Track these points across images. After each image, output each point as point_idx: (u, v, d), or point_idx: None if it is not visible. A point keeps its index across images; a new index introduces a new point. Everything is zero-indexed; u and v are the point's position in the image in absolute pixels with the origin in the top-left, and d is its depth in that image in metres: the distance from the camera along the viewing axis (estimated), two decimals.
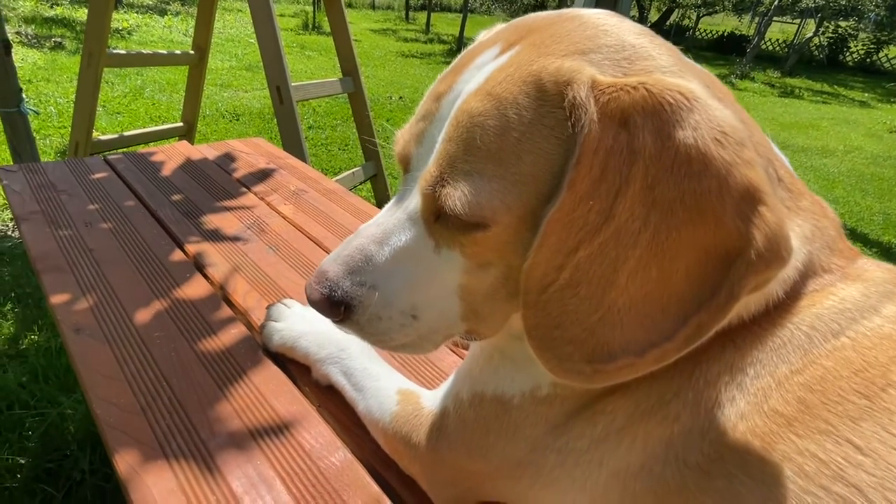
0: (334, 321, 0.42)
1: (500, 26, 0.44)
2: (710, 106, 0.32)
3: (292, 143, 2.19)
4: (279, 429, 0.64)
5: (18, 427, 1.37)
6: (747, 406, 0.34)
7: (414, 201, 0.40)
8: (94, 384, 0.67)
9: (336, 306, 0.41)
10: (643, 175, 0.31)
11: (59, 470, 1.29)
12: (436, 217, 0.39)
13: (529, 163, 0.34)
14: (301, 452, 0.61)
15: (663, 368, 0.38)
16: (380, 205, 2.87)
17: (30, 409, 1.42)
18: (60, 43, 5.85)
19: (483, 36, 0.45)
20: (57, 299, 0.81)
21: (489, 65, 0.38)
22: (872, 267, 0.40)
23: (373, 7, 17.61)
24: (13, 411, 1.41)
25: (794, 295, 0.37)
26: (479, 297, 0.41)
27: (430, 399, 0.56)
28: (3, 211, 2.45)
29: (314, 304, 0.42)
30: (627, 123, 0.31)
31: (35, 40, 5.83)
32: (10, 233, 2.34)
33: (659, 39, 0.38)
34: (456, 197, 0.36)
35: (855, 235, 3.78)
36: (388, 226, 0.42)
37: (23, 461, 1.29)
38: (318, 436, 0.64)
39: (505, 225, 0.36)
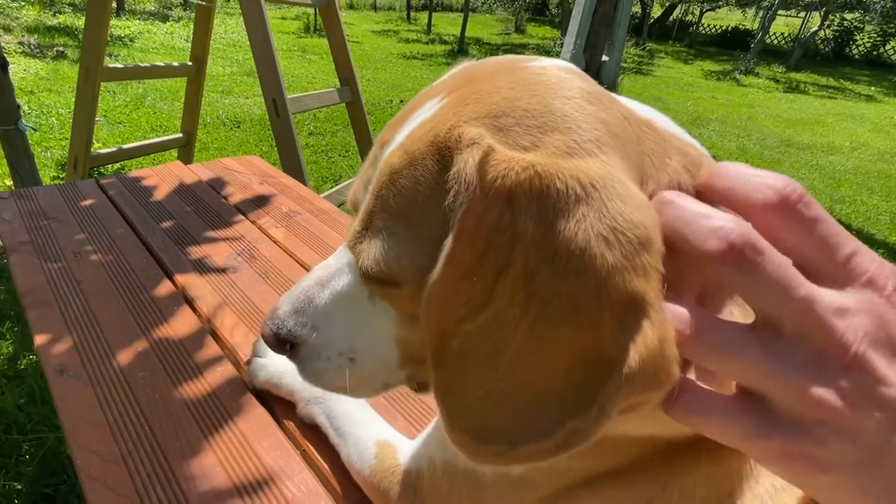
0: (288, 357, 0.44)
1: (460, 66, 0.42)
2: (612, 196, 0.28)
3: (289, 155, 2.18)
4: (262, 477, 0.63)
5: (15, 451, 1.37)
6: None
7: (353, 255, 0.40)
8: (75, 431, 0.66)
9: (282, 343, 0.43)
10: (524, 261, 0.28)
11: (55, 495, 1.29)
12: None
13: (435, 227, 0.32)
14: (284, 503, 0.60)
15: (638, 472, 0.36)
16: None
17: (27, 434, 1.42)
18: (63, 52, 5.88)
19: (445, 76, 0.42)
20: (42, 338, 0.80)
21: (421, 116, 0.37)
22: None
23: (374, 8, 17.60)
24: (10, 435, 1.41)
25: None
26: (416, 346, 0.41)
27: (408, 455, 0.55)
28: None
29: (264, 338, 0.43)
30: (513, 204, 0.29)
31: (38, 50, 5.86)
32: None
33: (604, 105, 0.33)
34: (367, 255, 0.36)
35: (861, 236, 3.73)
36: (331, 269, 0.42)
37: (20, 487, 1.30)
38: (300, 484, 0.63)
39: (415, 285, 0.34)
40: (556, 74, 0.35)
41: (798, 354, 0.27)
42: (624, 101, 0.37)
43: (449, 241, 0.31)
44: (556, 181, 0.28)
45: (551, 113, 0.32)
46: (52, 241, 1.06)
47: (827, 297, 0.27)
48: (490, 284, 0.29)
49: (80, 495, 1.28)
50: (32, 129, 2.24)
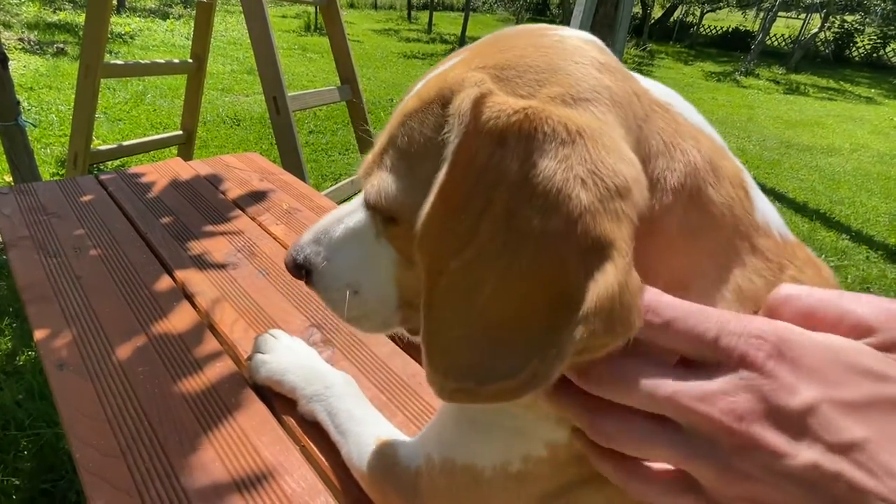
0: (305, 282, 0.47)
1: (494, 32, 0.44)
2: (598, 146, 0.29)
3: (289, 153, 2.18)
4: (261, 471, 0.63)
5: (13, 447, 1.37)
6: None
7: None
8: (74, 425, 0.66)
9: (298, 268, 0.46)
10: (506, 199, 0.29)
11: (53, 491, 1.29)
12: None
13: (430, 168, 0.34)
14: (283, 498, 0.60)
15: None
16: None
17: (25, 430, 1.42)
18: (63, 49, 5.87)
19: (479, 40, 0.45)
20: (41, 333, 0.80)
21: (440, 69, 0.39)
22: None
23: (375, 7, 17.59)
24: (9, 431, 1.41)
25: None
26: (413, 292, 0.42)
27: (406, 453, 0.55)
28: None
29: (286, 265, 0.47)
30: (504, 144, 0.30)
31: (38, 47, 5.85)
32: None
33: (615, 76, 0.34)
34: (371, 188, 0.38)
35: (860, 237, 3.73)
36: (349, 207, 0.45)
37: (18, 482, 1.29)
38: (300, 479, 0.63)
39: (411, 224, 0.35)
40: (573, 43, 0.35)
41: (698, 442, 0.29)
42: (644, 81, 0.37)
43: (441, 174, 0.32)
44: (545, 124, 0.29)
45: (554, 71, 0.33)
46: (52, 236, 1.06)
47: (690, 387, 0.29)
48: (475, 221, 0.30)
49: (78, 491, 1.28)
50: (32, 125, 2.24)
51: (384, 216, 0.40)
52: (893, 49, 14.97)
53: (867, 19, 14.12)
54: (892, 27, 13.93)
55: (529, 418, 0.40)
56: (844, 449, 0.27)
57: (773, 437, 0.27)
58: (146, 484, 0.60)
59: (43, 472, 1.32)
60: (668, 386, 0.29)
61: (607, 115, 0.31)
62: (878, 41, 15.02)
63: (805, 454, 0.27)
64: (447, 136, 0.32)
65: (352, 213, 0.45)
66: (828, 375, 0.28)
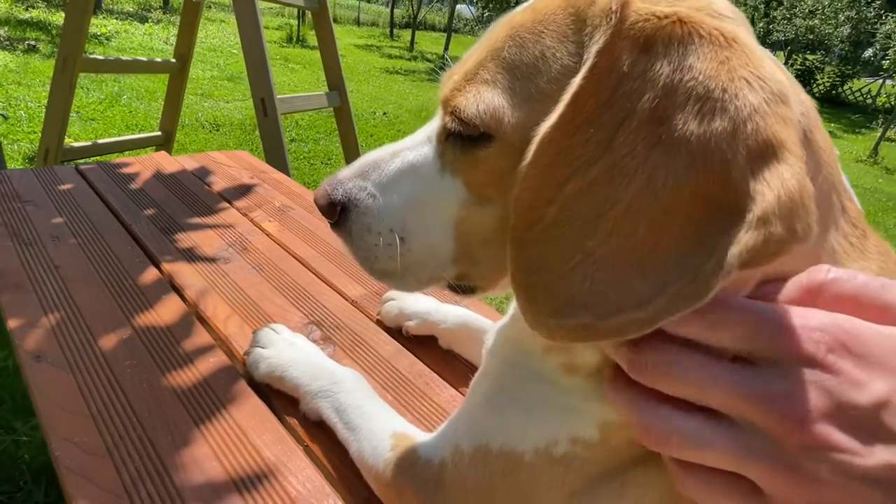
0: (330, 224, 0.41)
1: None
2: (754, 53, 0.27)
3: (275, 156, 2.13)
4: (262, 472, 0.58)
5: None
6: None
7: (439, 120, 0.39)
8: (53, 420, 0.60)
9: (333, 206, 0.40)
10: (652, 107, 0.27)
11: (10, 503, 1.19)
12: (448, 133, 0.38)
13: (546, 81, 0.32)
14: (286, 500, 0.55)
15: None
16: None
17: None
18: (34, 46, 5.68)
19: None
20: (15, 322, 0.73)
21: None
22: None
23: (357, 23, 17.69)
24: None
25: None
26: (475, 239, 0.39)
27: (427, 446, 0.50)
28: None
29: (316, 201, 0.41)
30: (650, 51, 0.28)
31: (8, 42, 5.65)
32: None
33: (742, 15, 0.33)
34: (465, 98, 0.34)
35: None
36: (409, 141, 0.41)
37: None
38: (305, 480, 0.58)
39: (507, 143, 0.33)
40: None
41: (758, 443, 0.27)
42: None
43: (577, 79, 0.29)
44: (700, 28, 0.28)
45: None
46: (28, 224, 0.99)
47: (749, 382, 0.27)
48: (608, 136, 0.28)
49: (38, 503, 1.18)
50: (3, 116, 2.13)
51: (469, 140, 0.35)
52: (851, 87, 15.82)
53: (827, 59, 14.93)
54: (850, 67, 14.75)
55: (582, 394, 0.37)
56: None
57: (841, 437, 0.25)
58: (136, 484, 0.54)
59: None
60: (725, 378, 0.27)
61: (747, 34, 0.30)
62: (837, 79, 15.86)
63: (880, 454, 0.25)
64: (588, 38, 0.30)
65: (413, 147, 0.40)
66: None
